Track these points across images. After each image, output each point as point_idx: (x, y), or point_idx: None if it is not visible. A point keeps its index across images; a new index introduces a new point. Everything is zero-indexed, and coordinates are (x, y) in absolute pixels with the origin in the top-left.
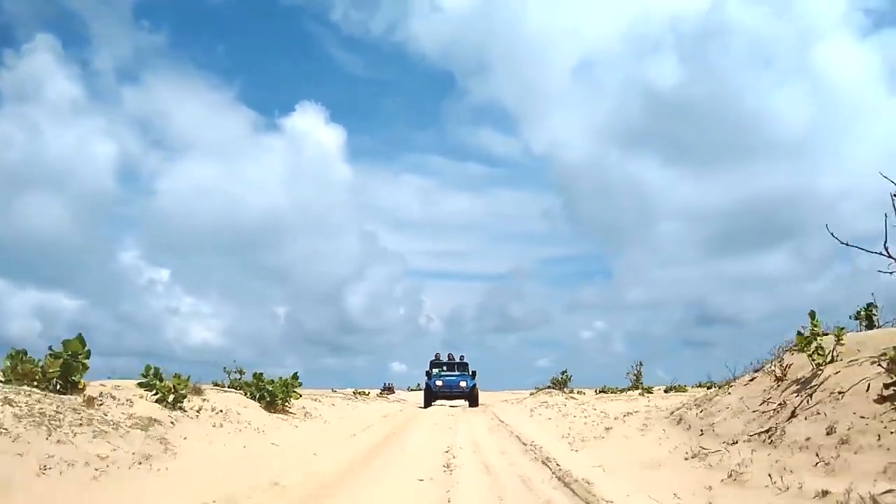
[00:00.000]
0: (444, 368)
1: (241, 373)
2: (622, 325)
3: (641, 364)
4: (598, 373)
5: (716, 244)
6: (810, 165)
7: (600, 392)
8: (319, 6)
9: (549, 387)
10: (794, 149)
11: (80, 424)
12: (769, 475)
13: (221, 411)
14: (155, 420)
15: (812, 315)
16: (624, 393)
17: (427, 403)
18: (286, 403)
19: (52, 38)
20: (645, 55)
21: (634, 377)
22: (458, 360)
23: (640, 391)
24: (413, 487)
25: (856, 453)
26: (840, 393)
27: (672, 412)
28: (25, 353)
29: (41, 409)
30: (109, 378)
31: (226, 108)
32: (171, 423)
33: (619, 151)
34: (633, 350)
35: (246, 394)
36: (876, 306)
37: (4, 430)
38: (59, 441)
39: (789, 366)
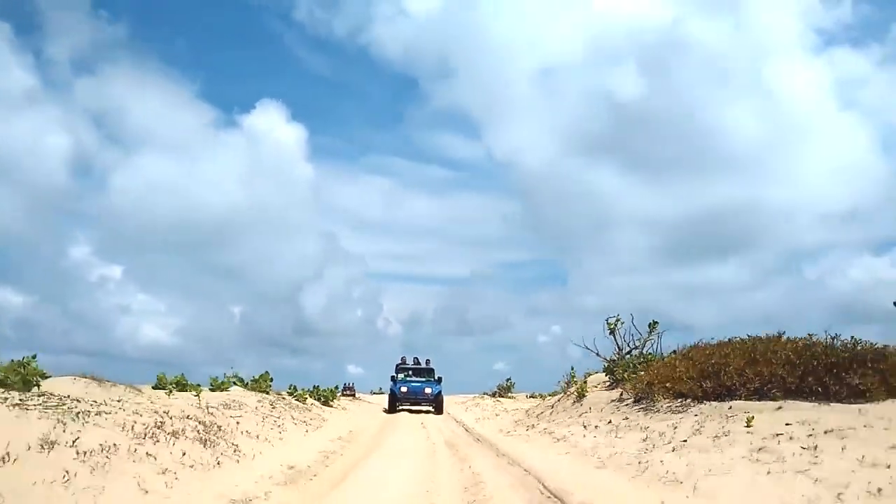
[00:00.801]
0: (410, 373)
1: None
2: (578, 331)
3: (574, 370)
4: (553, 377)
5: (670, 253)
6: (762, 179)
7: (531, 397)
8: (283, 5)
9: (495, 393)
10: (747, 162)
11: (291, 407)
12: (527, 425)
13: (315, 404)
14: (305, 407)
15: (572, 368)
16: (541, 397)
17: (391, 409)
18: (332, 401)
19: (3, 25)
20: (606, 66)
21: (566, 384)
22: (423, 364)
23: (545, 396)
24: (412, 432)
25: (556, 419)
26: (568, 400)
27: (529, 408)
28: (239, 376)
29: (282, 402)
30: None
31: (185, 103)
32: (310, 408)
33: (579, 159)
34: (588, 355)
35: (311, 396)
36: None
37: (285, 408)
38: (292, 412)
39: (568, 387)
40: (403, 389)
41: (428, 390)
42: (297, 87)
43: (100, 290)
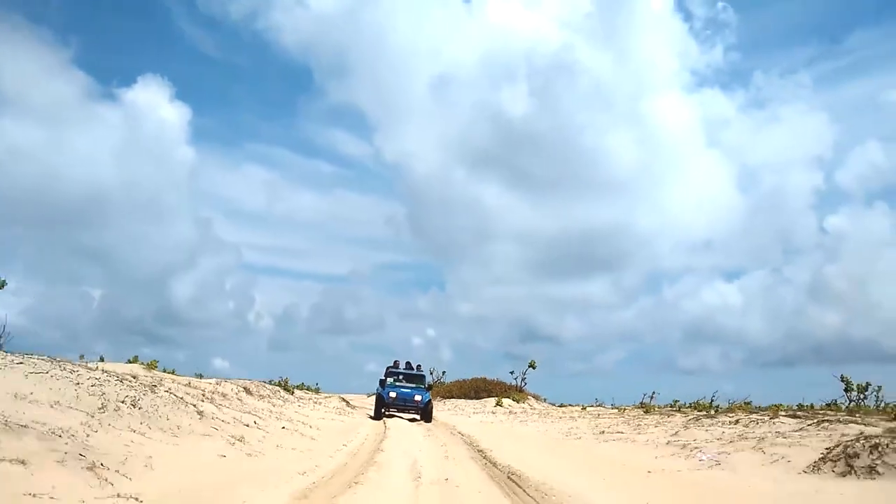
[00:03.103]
0: (400, 378)
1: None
2: (451, 336)
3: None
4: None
5: (544, 268)
6: (633, 204)
7: None
8: None
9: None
10: (620, 187)
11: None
12: None
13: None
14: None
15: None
16: None
17: (378, 414)
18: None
19: None
20: (499, 82)
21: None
22: (415, 369)
23: None
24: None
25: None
26: None
27: None
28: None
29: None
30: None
31: (57, 68)
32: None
33: (465, 170)
34: (459, 360)
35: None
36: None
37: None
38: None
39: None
40: (392, 395)
41: (418, 397)
42: (184, 66)
43: None
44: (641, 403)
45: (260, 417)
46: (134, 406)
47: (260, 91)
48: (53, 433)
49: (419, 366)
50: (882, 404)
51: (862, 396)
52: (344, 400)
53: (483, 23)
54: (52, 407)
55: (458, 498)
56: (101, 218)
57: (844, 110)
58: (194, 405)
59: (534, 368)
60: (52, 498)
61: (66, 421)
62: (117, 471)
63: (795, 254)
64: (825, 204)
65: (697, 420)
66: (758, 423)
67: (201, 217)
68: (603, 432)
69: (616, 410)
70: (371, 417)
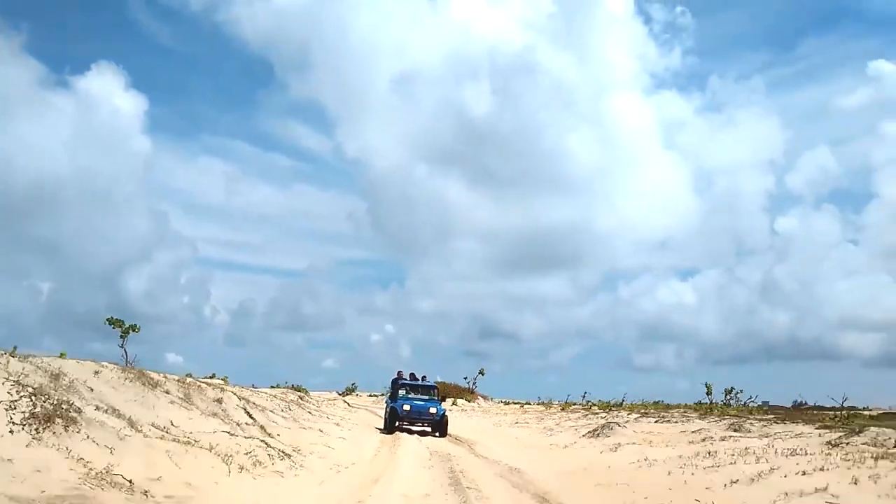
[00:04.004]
0: (412, 390)
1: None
2: (411, 333)
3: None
4: (382, 374)
5: (503, 264)
6: (591, 203)
7: (370, 396)
8: None
9: (344, 392)
10: (580, 186)
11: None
12: (376, 402)
13: None
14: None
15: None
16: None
17: (391, 428)
18: None
19: None
20: (462, 80)
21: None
22: (421, 380)
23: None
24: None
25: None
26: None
27: (374, 400)
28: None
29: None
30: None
31: (7, 54)
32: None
33: (427, 167)
34: (417, 356)
35: None
36: None
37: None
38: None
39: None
40: (406, 408)
41: (433, 410)
42: (140, 55)
43: None
44: (566, 402)
45: (324, 413)
46: (289, 410)
47: (219, 83)
48: (295, 420)
49: (424, 377)
50: (734, 403)
51: (728, 397)
52: (345, 401)
53: (446, 20)
54: (273, 409)
55: (438, 445)
56: (51, 209)
57: (796, 115)
58: (302, 407)
59: (483, 375)
60: (334, 434)
61: (289, 416)
62: (326, 432)
63: (748, 254)
64: (776, 206)
65: (586, 416)
66: (615, 417)
67: (156, 209)
68: (517, 423)
69: (543, 407)
70: (381, 431)
